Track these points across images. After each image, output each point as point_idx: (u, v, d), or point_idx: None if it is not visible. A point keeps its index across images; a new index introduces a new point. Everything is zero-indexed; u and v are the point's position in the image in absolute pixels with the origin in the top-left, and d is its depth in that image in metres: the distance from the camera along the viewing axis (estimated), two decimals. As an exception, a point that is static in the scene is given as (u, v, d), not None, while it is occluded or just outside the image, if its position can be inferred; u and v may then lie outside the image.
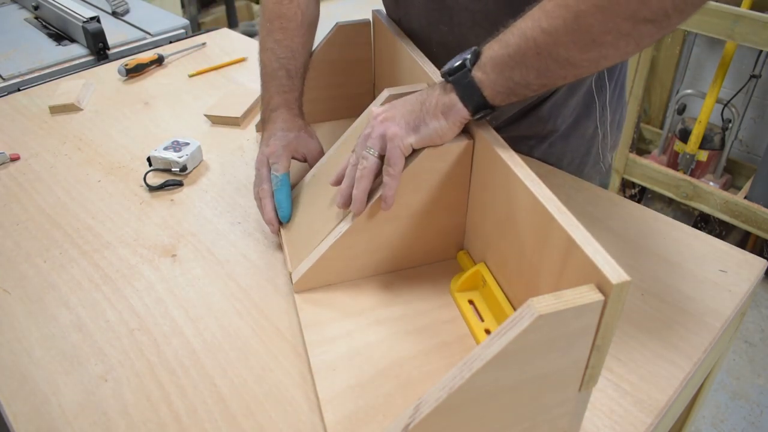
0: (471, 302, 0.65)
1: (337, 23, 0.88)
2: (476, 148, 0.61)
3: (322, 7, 0.86)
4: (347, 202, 0.64)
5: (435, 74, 0.78)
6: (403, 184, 0.62)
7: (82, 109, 1.08)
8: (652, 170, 1.85)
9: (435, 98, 0.59)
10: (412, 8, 0.82)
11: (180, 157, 0.87)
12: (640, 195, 2.13)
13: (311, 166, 0.79)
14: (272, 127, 0.78)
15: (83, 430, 0.55)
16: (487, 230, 0.64)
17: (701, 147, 1.85)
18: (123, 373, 0.60)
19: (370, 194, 0.63)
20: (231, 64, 1.23)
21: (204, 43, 1.32)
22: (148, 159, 0.90)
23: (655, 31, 0.50)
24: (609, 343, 0.45)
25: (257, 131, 0.97)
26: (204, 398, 0.57)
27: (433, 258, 0.70)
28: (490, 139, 0.58)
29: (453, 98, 0.58)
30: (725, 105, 1.80)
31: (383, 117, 0.61)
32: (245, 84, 1.16)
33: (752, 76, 1.79)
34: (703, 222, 1.98)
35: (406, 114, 0.60)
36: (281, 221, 0.74)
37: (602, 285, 0.42)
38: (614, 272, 0.41)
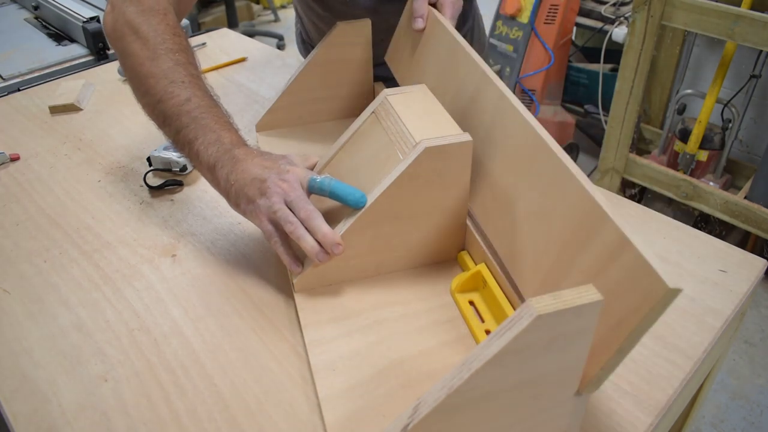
0: (471, 303, 0.65)
1: (337, 23, 0.88)
2: None
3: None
4: None
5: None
6: (404, 184, 0.62)
7: (82, 109, 1.08)
8: (652, 170, 1.85)
9: None
10: None
11: (180, 157, 0.87)
12: (640, 195, 2.13)
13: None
14: (246, 161, 0.65)
15: (83, 430, 0.55)
16: (502, 223, 0.62)
17: (701, 147, 1.85)
18: (123, 373, 0.60)
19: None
20: (231, 64, 1.23)
21: (204, 43, 1.32)
22: (148, 159, 0.89)
23: None
24: (634, 345, 0.44)
25: (257, 131, 0.97)
26: (204, 398, 0.57)
27: (433, 258, 0.70)
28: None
29: None
30: (725, 105, 1.80)
31: None
32: (245, 84, 1.16)
33: (752, 76, 1.79)
34: (703, 222, 1.98)
35: None
36: (361, 204, 0.62)
37: (652, 287, 0.41)
38: (669, 276, 0.41)
